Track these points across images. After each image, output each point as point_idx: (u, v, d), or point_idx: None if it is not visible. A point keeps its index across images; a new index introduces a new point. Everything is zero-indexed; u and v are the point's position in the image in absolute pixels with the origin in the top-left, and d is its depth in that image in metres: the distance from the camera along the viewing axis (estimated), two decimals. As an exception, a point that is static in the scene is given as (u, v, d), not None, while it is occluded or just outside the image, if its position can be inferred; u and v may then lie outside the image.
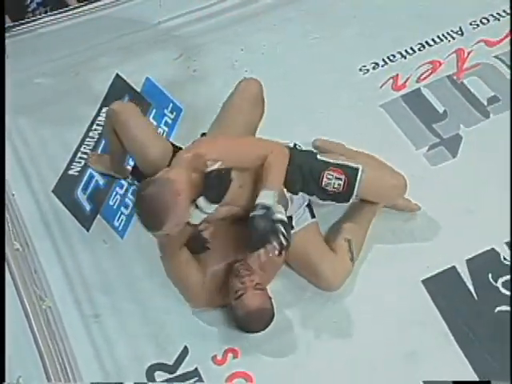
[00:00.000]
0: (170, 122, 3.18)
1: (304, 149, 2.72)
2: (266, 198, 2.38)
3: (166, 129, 3.16)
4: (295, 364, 2.51)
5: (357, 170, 2.59)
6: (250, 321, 2.48)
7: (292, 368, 2.51)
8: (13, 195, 2.74)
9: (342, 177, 2.58)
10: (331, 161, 2.61)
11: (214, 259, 2.58)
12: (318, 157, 2.63)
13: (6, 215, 2.30)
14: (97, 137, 3.13)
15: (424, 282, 2.65)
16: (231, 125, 2.71)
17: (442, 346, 2.52)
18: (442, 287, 2.63)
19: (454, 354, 2.49)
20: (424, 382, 2.36)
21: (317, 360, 2.52)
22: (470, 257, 2.68)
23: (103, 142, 3.09)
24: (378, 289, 2.64)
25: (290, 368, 2.50)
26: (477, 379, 2.42)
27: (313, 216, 2.69)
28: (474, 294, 2.62)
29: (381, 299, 2.62)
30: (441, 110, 3.10)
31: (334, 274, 2.60)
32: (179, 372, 2.52)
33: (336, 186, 2.58)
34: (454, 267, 2.67)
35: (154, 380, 2.51)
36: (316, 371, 2.50)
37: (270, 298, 2.51)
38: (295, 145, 2.72)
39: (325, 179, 2.57)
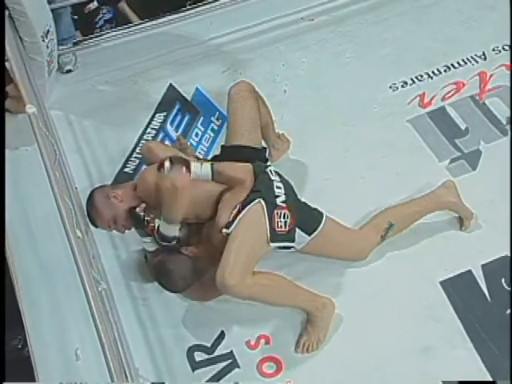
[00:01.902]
0: (216, 128, 3.18)
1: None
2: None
3: (213, 134, 3.17)
4: (319, 353, 2.49)
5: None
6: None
7: (316, 356, 2.49)
8: (76, 188, 2.76)
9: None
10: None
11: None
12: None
13: (70, 205, 2.31)
14: (150, 139, 3.15)
15: (441, 283, 2.60)
16: (238, 130, 2.70)
17: (456, 343, 2.48)
18: (458, 289, 2.59)
19: (468, 351, 2.45)
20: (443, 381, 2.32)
21: (338, 350, 2.50)
22: (486, 262, 2.64)
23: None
24: (398, 286, 2.60)
25: (314, 356, 2.49)
26: (488, 376, 2.37)
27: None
28: (488, 297, 2.57)
29: (400, 296, 2.58)
30: (463, 126, 3.05)
31: (356, 256, 2.61)
32: (216, 353, 2.52)
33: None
34: (470, 271, 2.62)
35: (193, 359, 2.52)
36: (338, 360, 2.47)
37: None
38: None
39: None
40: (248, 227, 2.44)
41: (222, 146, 2.76)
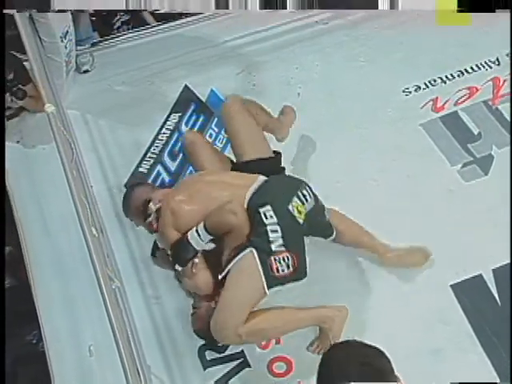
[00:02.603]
0: (230, 129, 3.18)
1: None
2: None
3: (226, 135, 3.17)
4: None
5: None
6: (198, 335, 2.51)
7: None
8: (91, 187, 2.78)
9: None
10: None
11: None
12: None
13: (85, 204, 2.32)
14: (165, 139, 3.16)
15: (452, 286, 2.60)
16: (242, 146, 2.66)
17: (466, 346, 2.47)
18: (469, 292, 2.58)
19: (478, 354, 2.44)
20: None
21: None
22: (496, 266, 2.62)
23: (170, 144, 3.13)
24: (408, 289, 2.60)
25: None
26: (497, 379, 2.36)
27: None
28: (498, 301, 2.56)
29: (410, 299, 2.57)
30: (475, 131, 3.04)
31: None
32: (227, 352, 2.52)
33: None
34: (480, 275, 2.61)
35: (204, 357, 2.52)
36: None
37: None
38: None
39: None
40: (238, 278, 2.35)
41: (232, 163, 2.73)
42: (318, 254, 2.55)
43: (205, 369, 2.50)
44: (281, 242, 2.34)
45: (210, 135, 3.17)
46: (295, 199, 2.43)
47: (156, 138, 3.16)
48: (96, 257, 2.15)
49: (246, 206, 2.42)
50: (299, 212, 2.41)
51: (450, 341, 2.47)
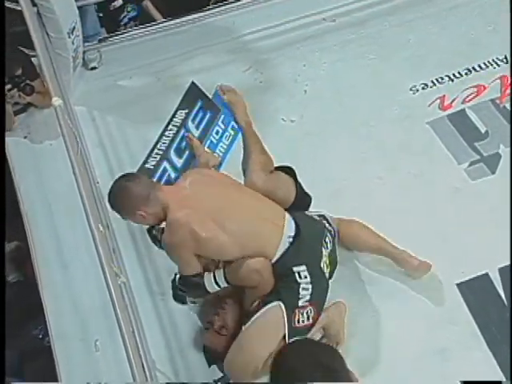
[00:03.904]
0: (236, 126, 3.17)
1: None
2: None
3: (233, 133, 3.14)
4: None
5: None
6: (205, 351, 2.49)
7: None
8: (97, 183, 2.78)
9: None
10: None
11: None
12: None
13: (92, 199, 2.32)
14: (171, 136, 3.14)
15: (458, 285, 2.58)
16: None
17: (472, 345, 2.45)
18: (475, 291, 2.57)
19: (484, 353, 2.42)
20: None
21: (354, 350, 2.44)
22: (503, 266, 2.60)
23: (177, 140, 3.12)
24: (415, 288, 2.58)
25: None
26: (503, 378, 2.34)
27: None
28: (505, 300, 2.54)
29: (416, 298, 2.56)
30: (483, 130, 3.02)
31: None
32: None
33: None
34: (487, 274, 2.59)
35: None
36: (353, 361, 2.41)
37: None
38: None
39: None
40: (264, 327, 2.35)
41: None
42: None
43: (210, 365, 2.49)
44: (308, 298, 2.37)
45: (217, 132, 3.15)
46: (323, 251, 2.45)
47: (162, 134, 3.13)
48: (102, 252, 2.15)
49: (274, 260, 2.39)
50: (327, 265, 2.45)
51: (456, 340, 2.46)
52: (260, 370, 2.32)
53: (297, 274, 2.37)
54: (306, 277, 2.37)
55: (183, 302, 2.58)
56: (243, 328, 2.38)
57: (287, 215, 2.47)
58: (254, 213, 2.43)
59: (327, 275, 2.46)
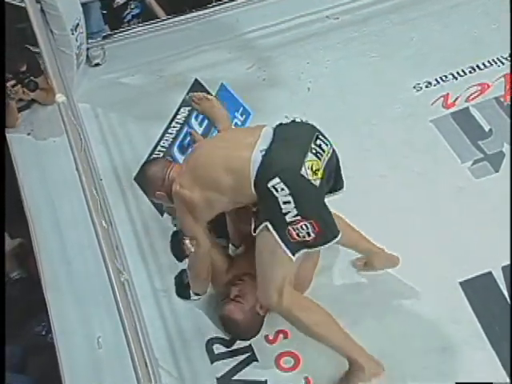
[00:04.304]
0: (239, 123, 3.17)
1: None
2: None
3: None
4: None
5: None
6: (222, 324, 2.50)
7: (334, 353, 2.42)
8: (101, 180, 2.77)
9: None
10: None
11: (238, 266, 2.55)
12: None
13: (95, 196, 2.31)
14: (175, 133, 3.15)
15: (461, 283, 2.57)
16: None
17: (474, 344, 2.44)
18: (478, 290, 2.55)
19: (486, 352, 2.41)
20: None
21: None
22: (506, 264, 2.58)
23: (180, 137, 3.12)
24: (418, 286, 2.57)
25: (333, 352, 2.43)
26: (507, 379, 2.33)
27: None
28: (508, 299, 2.53)
29: (419, 296, 2.55)
30: (486, 128, 3.01)
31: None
32: (235, 347, 2.51)
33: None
34: (490, 272, 2.58)
35: (212, 351, 2.51)
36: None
37: (254, 312, 2.44)
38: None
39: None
40: (262, 255, 2.32)
41: None
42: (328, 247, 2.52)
43: (212, 362, 2.49)
44: (295, 212, 2.20)
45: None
46: (309, 157, 2.24)
47: (166, 131, 3.15)
48: (105, 249, 2.14)
49: (253, 182, 2.26)
50: (315, 172, 2.23)
51: (459, 339, 2.45)
52: (287, 295, 2.30)
53: (273, 189, 2.20)
54: (282, 189, 2.19)
55: (187, 298, 2.58)
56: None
57: (265, 129, 2.37)
58: (222, 151, 2.37)
59: (317, 183, 2.23)
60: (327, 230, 2.27)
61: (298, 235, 2.23)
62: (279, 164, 2.23)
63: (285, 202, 2.20)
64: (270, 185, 2.20)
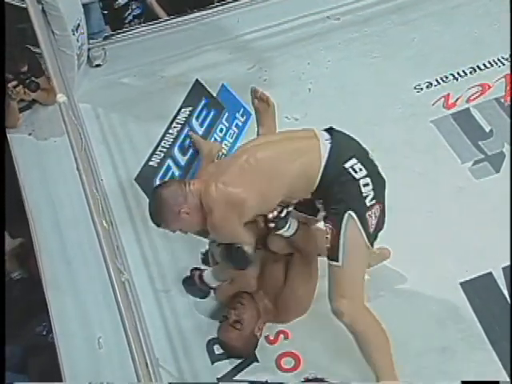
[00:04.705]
0: (240, 124, 3.17)
1: None
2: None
3: (237, 130, 3.15)
4: (339, 348, 2.47)
5: None
6: (220, 345, 2.49)
7: (334, 353, 2.46)
8: (101, 180, 2.77)
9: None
10: None
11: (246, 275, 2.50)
12: None
13: (96, 196, 2.31)
14: (175, 133, 3.14)
15: (462, 284, 2.57)
16: None
17: (475, 344, 2.44)
18: (479, 290, 2.56)
19: (487, 352, 2.42)
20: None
21: (357, 347, 2.45)
22: (506, 265, 2.59)
23: (181, 138, 3.12)
24: (418, 286, 2.58)
25: (334, 352, 2.46)
26: (507, 377, 2.33)
27: None
28: (508, 299, 2.53)
29: (420, 296, 2.56)
30: (487, 128, 3.01)
31: None
32: (236, 347, 2.52)
33: None
34: (490, 273, 2.59)
35: (213, 351, 2.51)
36: (356, 358, 2.44)
37: (252, 337, 2.44)
38: None
39: None
40: (356, 251, 2.19)
41: None
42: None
43: (213, 363, 2.49)
44: (373, 194, 2.17)
45: (221, 130, 3.15)
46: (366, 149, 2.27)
47: (166, 132, 3.14)
48: (106, 249, 2.14)
49: (322, 168, 2.18)
50: (375, 164, 2.27)
51: (459, 339, 2.45)
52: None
53: (351, 170, 2.15)
54: (360, 169, 2.16)
55: (203, 297, 2.56)
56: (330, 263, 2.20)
57: (315, 128, 2.32)
58: (280, 145, 2.27)
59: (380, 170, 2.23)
60: (383, 215, 2.25)
61: (371, 223, 2.19)
62: (352, 147, 2.23)
63: (364, 185, 2.17)
64: (347, 165, 2.17)
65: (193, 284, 2.54)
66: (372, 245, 2.25)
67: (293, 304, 2.47)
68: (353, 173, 2.17)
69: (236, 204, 2.21)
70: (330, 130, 2.32)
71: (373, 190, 2.18)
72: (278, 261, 2.51)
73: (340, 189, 2.18)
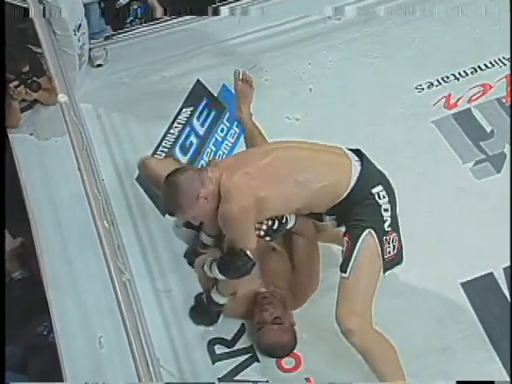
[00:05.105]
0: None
1: None
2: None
3: (237, 130, 3.15)
4: (340, 349, 2.46)
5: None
6: (268, 351, 2.45)
7: (335, 353, 2.45)
8: (102, 180, 2.77)
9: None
10: None
11: (249, 281, 2.47)
12: None
13: (97, 196, 2.31)
14: (176, 133, 3.15)
15: (463, 284, 2.58)
16: None
17: (475, 344, 2.45)
18: (479, 290, 2.57)
19: (487, 352, 2.42)
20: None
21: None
22: (507, 265, 2.59)
23: (182, 138, 3.12)
24: (419, 286, 2.58)
25: (335, 353, 2.45)
26: (507, 377, 2.33)
27: None
28: (509, 299, 2.54)
29: (421, 296, 2.56)
30: (488, 129, 3.01)
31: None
32: (236, 347, 2.52)
33: None
34: (491, 273, 2.59)
35: (213, 351, 2.51)
36: (357, 358, 2.43)
37: (292, 327, 2.44)
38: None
39: None
40: (367, 266, 2.22)
41: None
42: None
43: (213, 363, 2.49)
44: (389, 221, 2.25)
45: (222, 130, 3.16)
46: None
47: (168, 131, 3.15)
48: (107, 249, 2.14)
49: (352, 186, 2.25)
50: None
51: (460, 339, 2.46)
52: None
53: (376, 195, 2.24)
54: (384, 197, 2.25)
55: (214, 321, 2.54)
56: (343, 275, 2.22)
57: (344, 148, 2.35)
58: (313, 153, 2.30)
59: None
60: (401, 249, 2.29)
61: (387, 251, 2.24)
62: (380, 174, 2.32)
63: (385, 210, 2.25)
64: (374, 191, 2.25)
65: (202, 309, 2.53)
66: (384, 272, 2.26)
67: (307, 284, 2.51)
68: (377, 198, 2.25)
69: (258, 199, 2.19)
70: (358, 153, 2.35)
71: (390, 217, 2.26)
72: (278, 253, 2.55)
73: (363, 210, 2.25)
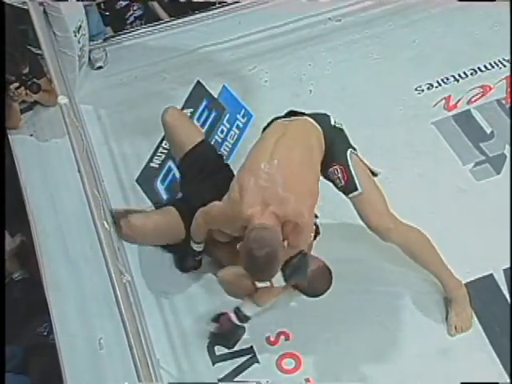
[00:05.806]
0: (241, 125, 3.18)
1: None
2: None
3: (238, 131, 3.16)
4: (340, 350, 2.48)
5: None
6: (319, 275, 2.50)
7: (335, 354, 2.47)
8: (103, 181, 2.77)
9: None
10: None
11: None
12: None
13: (97, 197, 2.32)
14: (177, 135, 3.14)
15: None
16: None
17: (476, 346, 2.45)
18: (480, 292, 2.56)
19: (487, 354, 2.42)
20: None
21: (357, 349, 2.48)
22: (507, 267, 2.59)
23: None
24: (420, 288, 2.58)
25: (334, 353, 2.47)
26: (507, 379, 2.34)
27: None
28: (509, 301, 2.54)
29: (421, 298, 2.56)
30: (488, 130, 3.01)
31: None
32: (236, 348, 2.51)
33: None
34: (491, 275, 2.59)
35: (213, 353, 2.52)
36: (357, 358, 2.45)
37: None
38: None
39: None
40: (367, 175, 2.45)
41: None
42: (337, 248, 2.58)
43: (213, 364, 2.49)
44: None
45: (222, 131, 3.16)
46: None
47: (168, 133, 3.15)
48: (107, 250, 2.15)
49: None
50: None
51: (460, 340, 2.46)
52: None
53: (337, 125, 2.55)
54: (339, 123, 2.57)
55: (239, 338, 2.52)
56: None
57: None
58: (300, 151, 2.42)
59: None
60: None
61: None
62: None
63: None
64: (332, 123, 2.53)
65: (226, 334, 2.50)
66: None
67: None
68: (338, 126, 2.54)
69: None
70: (292, 112, 2.55)
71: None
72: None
73: (336, 140, 2.48)
